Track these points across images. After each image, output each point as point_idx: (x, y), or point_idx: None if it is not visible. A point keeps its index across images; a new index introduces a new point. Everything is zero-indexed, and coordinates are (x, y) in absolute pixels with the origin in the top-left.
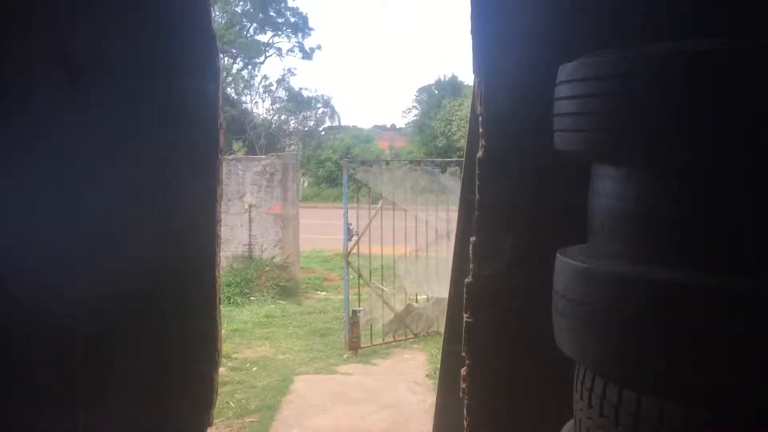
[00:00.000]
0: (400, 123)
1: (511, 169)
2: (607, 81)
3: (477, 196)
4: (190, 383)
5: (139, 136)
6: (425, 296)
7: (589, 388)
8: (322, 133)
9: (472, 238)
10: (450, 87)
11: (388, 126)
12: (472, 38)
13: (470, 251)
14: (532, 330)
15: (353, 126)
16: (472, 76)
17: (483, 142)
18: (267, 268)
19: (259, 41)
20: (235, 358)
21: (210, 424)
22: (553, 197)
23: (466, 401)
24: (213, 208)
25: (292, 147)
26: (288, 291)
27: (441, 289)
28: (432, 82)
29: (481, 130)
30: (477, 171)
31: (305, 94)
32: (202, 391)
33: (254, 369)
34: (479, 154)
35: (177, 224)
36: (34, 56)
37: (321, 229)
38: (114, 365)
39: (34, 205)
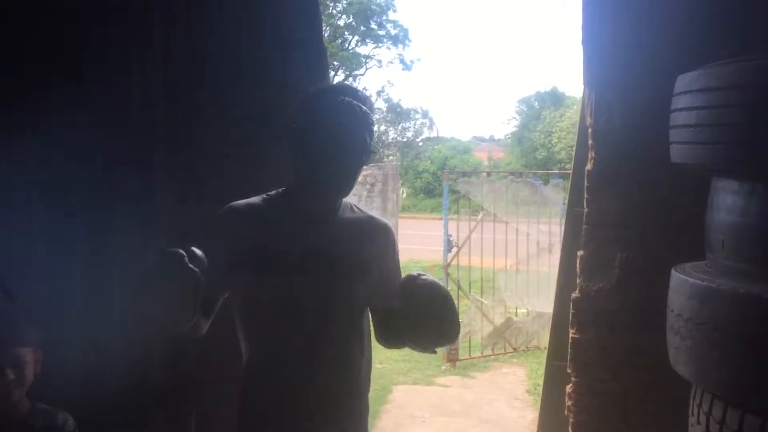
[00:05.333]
0: (499, 134)
1: (622, 182)
2: (728, 91)
3: (585, 209)
4: None
5: (250, 147)
6: (525, 310)
7: (706, 412)
8: (420, 144)
9: (580, 252)
10: (550, 98)
11: (487, 137)
12: (584, 49)
13: (577, 265)
14: (643, 348)
15: (451, 137)
16: (573, 87)
17: (592, 155)
18: None
19: (359, 53)
20: None
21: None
22: (667, 211)
23: (571, 419)
24: None
25: (391, 158)
26: None
27: (542, 303)
28: (532, 93)
29: (590, 142)
30: (585, 183)
31: (404, 105)
32: None
33: None
34: (588, 166)
35: None
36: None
37: (419, 240)
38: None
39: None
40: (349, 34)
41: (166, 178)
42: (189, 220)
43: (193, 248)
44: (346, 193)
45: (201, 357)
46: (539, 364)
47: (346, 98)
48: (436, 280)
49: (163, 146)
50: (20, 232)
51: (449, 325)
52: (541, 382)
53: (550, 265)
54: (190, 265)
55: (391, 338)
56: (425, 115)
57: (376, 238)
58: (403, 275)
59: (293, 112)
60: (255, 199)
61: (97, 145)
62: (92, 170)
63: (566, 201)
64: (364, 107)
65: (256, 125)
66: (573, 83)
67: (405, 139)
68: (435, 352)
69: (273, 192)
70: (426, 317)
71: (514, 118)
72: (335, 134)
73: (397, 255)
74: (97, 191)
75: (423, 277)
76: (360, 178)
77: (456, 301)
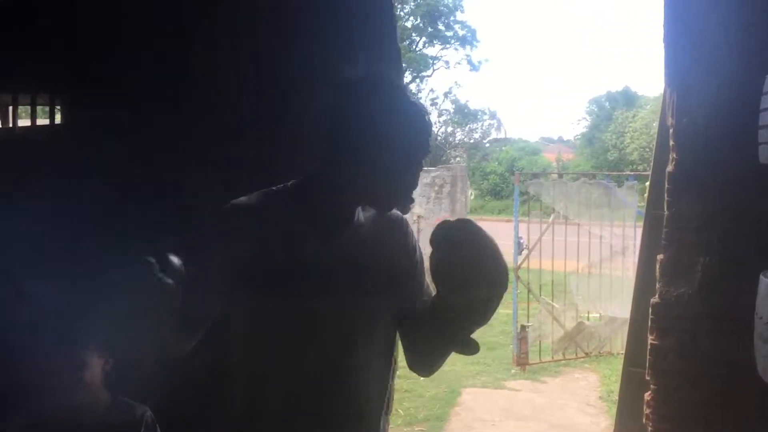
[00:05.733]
0: (568, 135)
1: (705, 184)
2: None
3: (666, 212)
4: None
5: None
6: (597, 314)
7: None
8: (487, 145)
9: (660, 256)
10: (622, 98)
11: (555, 138)
12: (665, 47)
13: (657, 269)
14: (726, 356)
15: (519, 138)
16: (646, 86)
17: (674, 156)
18: None
19: (427, 55)
20: (403, 367)
21: (385, 430)
22: (752, 215)
23: (649, 427)
24: None
25: (458, 159)
26: None
27: (615, 308)
28: (603, 93)
29: (671, 143)
30: (666, 185)
31: (471, 106)
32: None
33: (421, 378)
34: (669, 167)
35: None
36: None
37: None
38: None
39: None
40: (416, 36)
41: (252, 177)
42: None
43: (170, 255)
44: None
45: None
46: (612, 370)
47: (411, 97)
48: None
49: (248, 147)
50: (115, 230)
51: (498, 271)
52: (614, 388)
53: (624, 268)
54: (162, 276)
55: (422, 349)
56: (493, 116)
57: (396, 235)
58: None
59: (342, 104)
60: (259, 198)
61: (193, 146)
62: (185, 171)
63: (641, 203)
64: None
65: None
66: (646, 82)
67: (472, 141)
68: (477, 350)
69: (278, 189)
70: (471, 262)
71: (584, 118)
72: (407, 147)
73: (419, 248)
74: (184, 191)
75: (458, 219)
76: (428, 180)
77: (526, 305)
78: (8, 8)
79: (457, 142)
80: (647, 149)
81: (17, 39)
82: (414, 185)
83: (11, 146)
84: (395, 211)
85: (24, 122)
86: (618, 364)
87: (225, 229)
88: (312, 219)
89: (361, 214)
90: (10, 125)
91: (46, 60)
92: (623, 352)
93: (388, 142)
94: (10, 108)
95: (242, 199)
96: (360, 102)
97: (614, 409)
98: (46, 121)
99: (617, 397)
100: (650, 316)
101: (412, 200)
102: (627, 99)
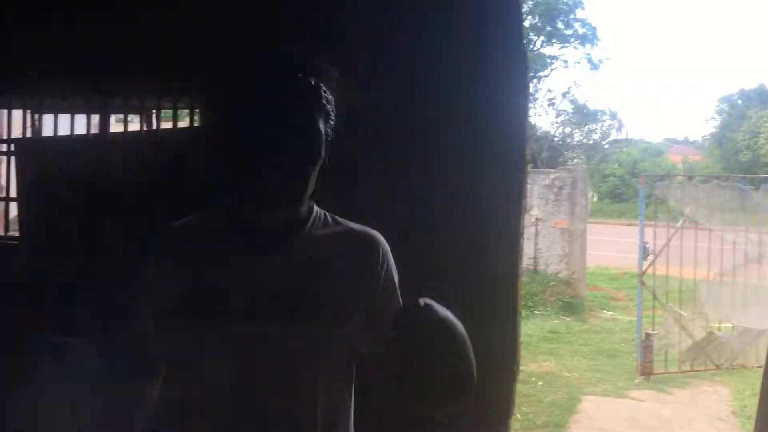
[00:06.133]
0: (694, 135)
1: None
2: None
3: None
4: (491, 392)
5: (453, 147)
6: (730, 325)
7: None
8: (606, 146)
9: None
10: (757, 96)
11: (680, 139)
12: None
13: None
14: None
15: (641, 139)
16: None
17: None
18: (552, 283)
19: (544, 54)
20: (520, 371)
21: None
22: None
23: None
24: (517, 220)
25: (575, 160)
26: (572, 307)
27: (749, 319)
28: (735, 91)
29: None
30: None
31: (590, 106)
32: (502, 400)
33: (539, 384)
34: None
35: (482, 234)
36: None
37: (606, 246)
38: None
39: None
40: (534, 35)
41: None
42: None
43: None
44: (297, 202)
45: None
46: (746, 384)
47: (288, 71)
48: (449, 314)
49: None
50: None
51: (462, 380)
52: (748, 403)
53: (760, 277)
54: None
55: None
56: (613, 116)
57: (359, 259)
58: (592, 284)
59: (221, 95)
60: (195, 219)
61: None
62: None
63: None
64: (319, 83)
65: (449, 131)
66: None
67: (591, 142)
68: (445, 421)
69: (217, 206)
70: (435, 365)
71: (713, 118)
72: (274, 120)
73: (393, 277)
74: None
75: (434, 309)
76: (547, 182)
77: (651, 312)
78: (152, 19)
79: (575, 143)
80: None
81: (161, 46)
82: (296, 187)
83: (155, 147)
84: (369, 230)
85: (166, 124)
86: (752, 378)
87: (154, 259)
88: (241, 235)
89: (321, 230)
90: (154, 127)
91: (187, 61)
92: (759, 365)
93: (258, 145)
94: (154, 111)
95: (180, 221)
96: (237, 100)
97: (749, 425)
98: (186, 124)
99: (752, 413)
100: None
101: (299, 200)
102: (762, 97)
